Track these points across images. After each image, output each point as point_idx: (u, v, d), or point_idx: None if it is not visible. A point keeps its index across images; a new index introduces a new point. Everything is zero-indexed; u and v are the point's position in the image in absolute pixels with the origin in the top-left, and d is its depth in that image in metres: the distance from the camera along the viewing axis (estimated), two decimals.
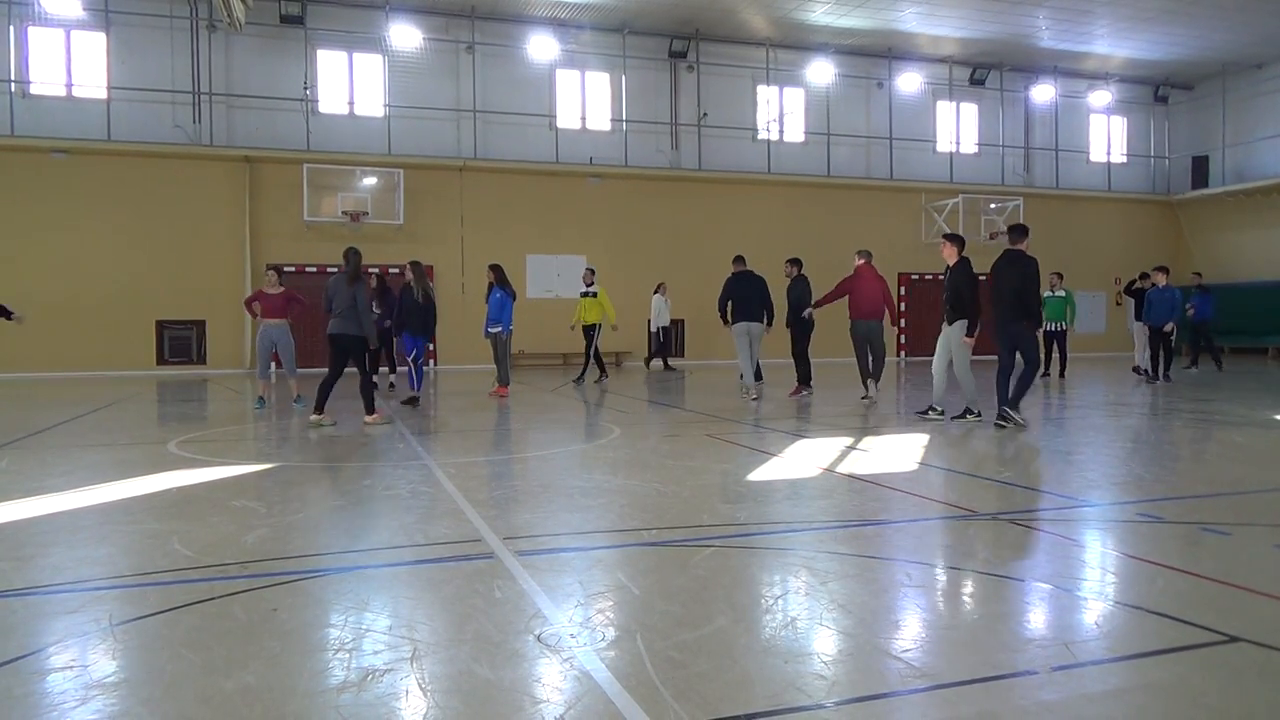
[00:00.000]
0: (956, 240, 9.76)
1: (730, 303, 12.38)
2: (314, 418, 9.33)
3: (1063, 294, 16.19)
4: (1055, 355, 16.16)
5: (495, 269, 12.89)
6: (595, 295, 15.59)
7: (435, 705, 2.53)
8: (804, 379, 12.72)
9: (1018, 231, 9.33)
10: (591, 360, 15.80)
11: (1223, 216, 26.49)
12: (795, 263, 12.87)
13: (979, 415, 9.32)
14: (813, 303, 12.44)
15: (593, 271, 16.22)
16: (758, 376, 12.50)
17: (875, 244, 23.76)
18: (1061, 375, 16.03)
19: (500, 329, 12.77)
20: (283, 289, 11.77)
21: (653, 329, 20.04)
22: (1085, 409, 11.24)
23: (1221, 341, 22.44)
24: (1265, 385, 14.34)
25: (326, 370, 9.67)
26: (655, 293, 19.80)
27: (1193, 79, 26.97)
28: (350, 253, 9.76)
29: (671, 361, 20.66)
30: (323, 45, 20.48)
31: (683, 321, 22.34)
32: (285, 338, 11.65)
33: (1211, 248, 26.71)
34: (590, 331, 15.67)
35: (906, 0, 20.75)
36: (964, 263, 9.57)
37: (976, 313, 9.27)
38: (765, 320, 12.40)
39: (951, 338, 9.46)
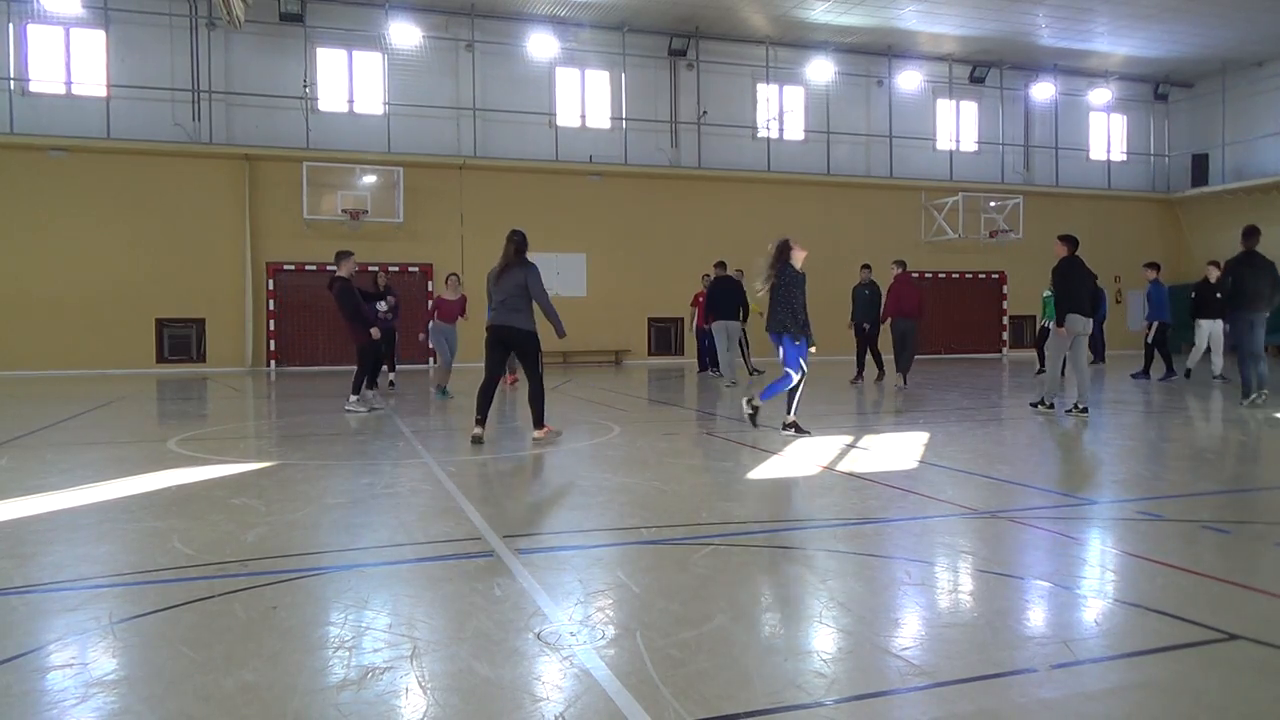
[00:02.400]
0: (1068, 241, 9.87)
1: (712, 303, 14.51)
2: (478, 431, 7.87)
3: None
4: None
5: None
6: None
7: (435, 703, 2.53)
8: (877, 369, 14.91)
9: (1252, 234, 10.39)
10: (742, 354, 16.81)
11: (1223, 214, 26.47)
12: (867, 268, 15.49)
13: (1085, 409, 9.53)
14: (880, 315, 14.72)
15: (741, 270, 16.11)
16: (753, 371, 14.95)
17: (875, 242, 23.99)
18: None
19: None
20: (461, 295, 12.80)
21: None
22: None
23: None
24: (1229, 380, 14.33)
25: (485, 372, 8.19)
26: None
27: (1193, 77, 26.96)
28: (515, 234, 8.40)
29: (664, 360, 20.69)
30: (322, 43, 20.47)
31: (680, 320, 22.35)
32: (454, 336, 12.81)
33: (1211, 246, 26.64)
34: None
35: None
36: (1069, 261, 9.77)
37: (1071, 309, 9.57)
38: (741, 318, 14.45)
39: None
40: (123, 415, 10.75)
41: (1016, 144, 26.32)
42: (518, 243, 8.20)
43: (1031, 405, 10.18)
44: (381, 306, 12.97)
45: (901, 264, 14.62)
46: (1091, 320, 9.79)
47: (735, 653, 2.87)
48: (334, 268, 10.82)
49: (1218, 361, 14.39)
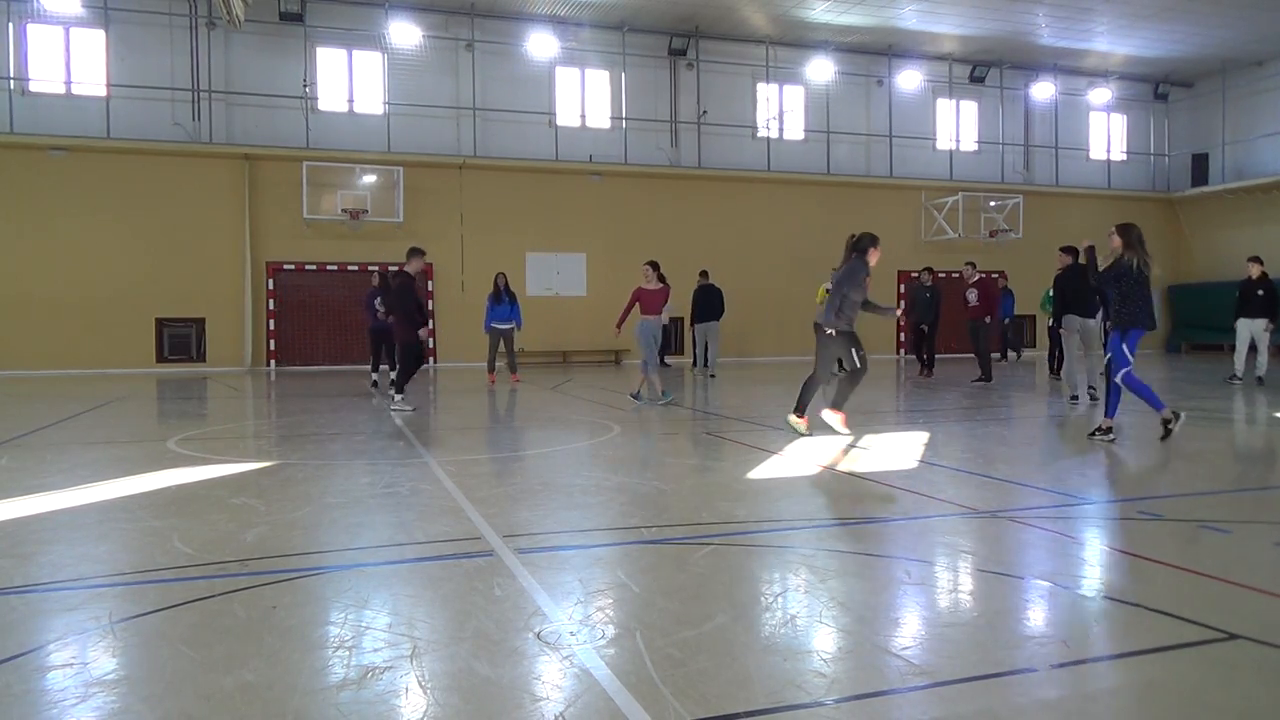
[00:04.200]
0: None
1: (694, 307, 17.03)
2: (793, 419, 8.10)
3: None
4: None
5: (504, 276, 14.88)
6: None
7: (435, 703, 2.53)
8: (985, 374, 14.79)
9: None
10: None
11: (1223, 214, 26.48)
12: (929, 270, 16.30)
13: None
14: (979, 312, 15.18)
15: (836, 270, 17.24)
16: (706, 364, 16.76)
17: None
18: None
19: (513, 325, 14.66)
20: (662, 285, 11.37)
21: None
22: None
23: (1222, 339, 22.43)
24: (1265, 383, 14.33)
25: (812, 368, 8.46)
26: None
27: (1193, 76, 26.95)
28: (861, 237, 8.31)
29: (670, 359, 20.69)
30: (322, 43, 20.46)
31: (682, 320, 22.33)
32: (659, 332, 11.39)
33: (1211, 245, 26.71)
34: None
35: None
36: (1072, 268, 10.99)
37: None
38: (718, 319, 16.90)
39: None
40: (122, 415, 10.75)
41: (1016, 144, 26.32)
42: (858, 244, 8.28)
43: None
44: (377, 302, 13.46)
45: (971, 265, 15.75)
46: (1092, 319, 10.89)
47: (735, 652, 2.87)
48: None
49: (1263, 361, 13.93)
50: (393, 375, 14.84)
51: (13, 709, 2.50)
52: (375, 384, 14.25)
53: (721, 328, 17.52)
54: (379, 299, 13.32)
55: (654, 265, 11.38)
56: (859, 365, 8.03)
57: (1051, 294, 14.76)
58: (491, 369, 15.15)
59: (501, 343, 14.68)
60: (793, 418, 8.08)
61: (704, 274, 17.72)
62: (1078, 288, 10.76)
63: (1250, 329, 13.76)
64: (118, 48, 19.11)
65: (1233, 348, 14.24)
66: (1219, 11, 21.41)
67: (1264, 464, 7.06)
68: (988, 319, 15.07)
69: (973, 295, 15.11)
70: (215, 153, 19.49)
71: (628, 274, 21.58)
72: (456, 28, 21.13)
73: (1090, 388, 10.86)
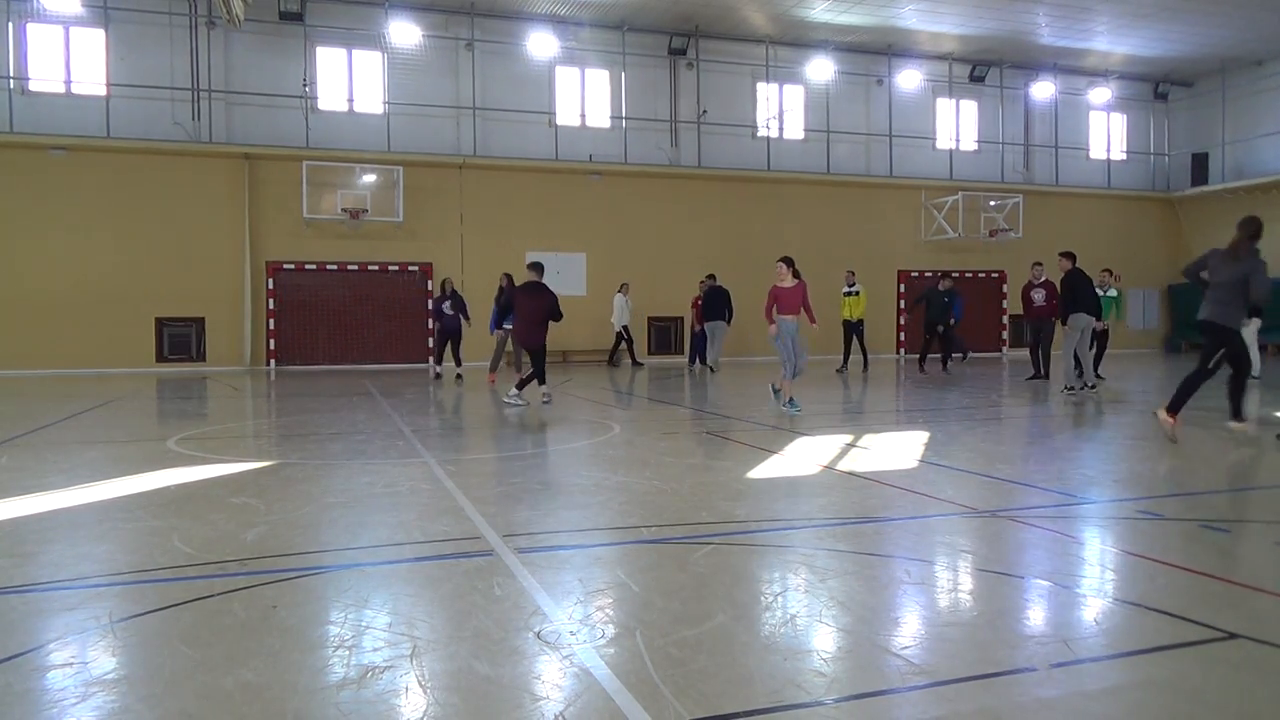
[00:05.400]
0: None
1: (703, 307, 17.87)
2: (1235, 425, 7.79)
3: (1113, 293, 15.14)
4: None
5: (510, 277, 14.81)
6: (858, 294, 17.97)
7: (435, 702, 2.53)
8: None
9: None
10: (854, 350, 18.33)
11: (1222, 214, 26.43)
12: (1040, 265, 15.21)
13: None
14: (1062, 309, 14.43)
15: (853, 273, 18.32)
16: (707, 360, 17.68)
17: (874, 242, 24.03)
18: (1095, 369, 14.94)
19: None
20: (797, 281, 10.29)
21: (618, 328, 20.12)
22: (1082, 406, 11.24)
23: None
24: (1265, 383, 14.34)
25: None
26: (619, 292, 20.00)
27: (1192, 76, 26.94)
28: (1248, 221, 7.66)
29: (665, 359, 20.82)
30: (322, 42, 20.45)
31: (681, 319, 22.34)
32: (798, 332, 10.26)
33: (1211, 245, 26.56)
34: (856, 326, 18.00)
35: None
36: (1074, 273, 12.37)
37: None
38: (727, 319, 17.77)
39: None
40: (122, 414, 10.75)
41: (1016, 143, 26.31)
42: (1252, 231, 7.58)
43: (1065, 389, 12.01)
44: (446, 306, 15.44)
45: (1039, 266, 14.92)
46: (1094, 318, 12.20)
47: (735, 652, 2.87)
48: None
49: (1257, 359, 13.96)
50: (459, 370, 15.89)
51: (13, 708, 2.50)
52: (439, 376, 16.19)
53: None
54: (448, 303, 15.48)
55: (788, 261, 10.42)
56: (1252, 365, 8.08)
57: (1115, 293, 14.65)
58: (494, 369, 15.29)
59: (510, 343, 14.92)
60: (1162, 414, 7.61)
61: (711, 277, 18.40)
62: (1085, 287, 12.25)
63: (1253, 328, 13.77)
64: (118, 47, 19.10)
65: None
66: (1219, 11, 21.40)
67: (1263, 463, 7.06)
68: (1054, 319, 14.34)
69: (1039, 295, 14.75)
70: (215, 152, 19.48)
71: (628, 274, 21.67)
72: (456, 27, 21.12)
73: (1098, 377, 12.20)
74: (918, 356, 18.01)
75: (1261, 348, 14.19)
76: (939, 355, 17.78)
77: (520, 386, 11.01)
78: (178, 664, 2.80)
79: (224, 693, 2.58)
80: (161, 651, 2.92)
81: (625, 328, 20.07)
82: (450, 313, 15.50)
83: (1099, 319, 13.61)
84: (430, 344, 20.68)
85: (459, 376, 16.34)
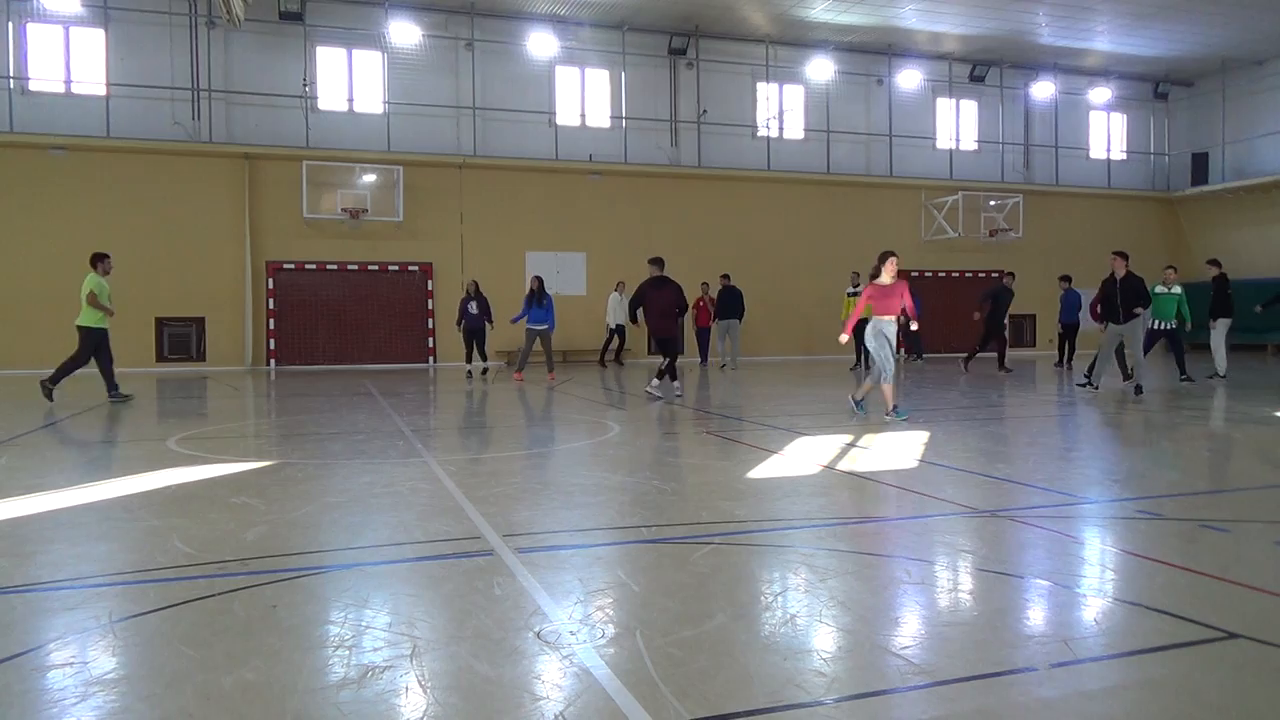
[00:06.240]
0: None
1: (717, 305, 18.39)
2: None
3: (1177, 291, 14.03)
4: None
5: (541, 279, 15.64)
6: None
7: (435, 702, 2.53)
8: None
9: None
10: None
11: (1222, 213, 26.48)
12: (1122, 255, 13.45)
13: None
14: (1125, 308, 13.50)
15: (859, 274, 18.69)
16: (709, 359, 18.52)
17: (874, 241, 23.78)
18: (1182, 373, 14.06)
19: (547, 326, 15.43)
20: (898, 279, 9.31)
21: (612, 326, 20.16)
22: (1084, 405, 11.24)
23: None
24: (1266, 382, 14.34)
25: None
26: (615, 291, 20.05)
27: (1193, 75, 26.95)
28: None
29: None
30: (322, 42, 20.45)
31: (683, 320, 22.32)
32: (894, 334, 9.32)
33: (1211, 244, 26.65)
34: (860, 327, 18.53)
35: None
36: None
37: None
38: (740, 317, 18.54)
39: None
40: (123, 414, 10.75)
41: (1016, 143, 26.31)
42: None
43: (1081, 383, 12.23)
44: (471, 306, 16.43)
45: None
46: (1140, 319, 11.96)
47: (735, 651, 2.88)
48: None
49: (1222, 360, 14.55)
50: (485, 365, 16.89)
51: (13, 708, 2.50)
52: (469, 374, 16.96)
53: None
54: (473, 303, 16.40)
55: (892, 256, 9.35)
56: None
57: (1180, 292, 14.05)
58: (521, 368, 15.69)
59: (538, 341, 15.55)
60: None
61: (725, 276, 18.97)
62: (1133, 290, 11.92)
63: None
64: (117, 47, 19.10)
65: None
66: (1219, 11, 21.40)
67: (1263, 462, 7.06)
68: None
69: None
70: (215, 152, 19.49)
71: (628, 274, 21.63)
72: (456, 27, 21.12)
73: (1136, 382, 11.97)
74: (964, 356, 17.89)
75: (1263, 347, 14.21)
76: (983, 353, 17.87)
77: (659, 377, 11.97)
78: (178, 664, 2.80)
79: (224, 692, 2.58)
80: (161, 651, 2.92)
81: (620, 326, 20.12)
82: (474, 312, 16.46)
83: (1163, 319, 13.56)
84: (431, 344, 20.88)
85: (484, 371, 17.19)
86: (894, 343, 9.29)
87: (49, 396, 11.67)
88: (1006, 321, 17.18)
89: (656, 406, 10.76)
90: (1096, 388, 12.32)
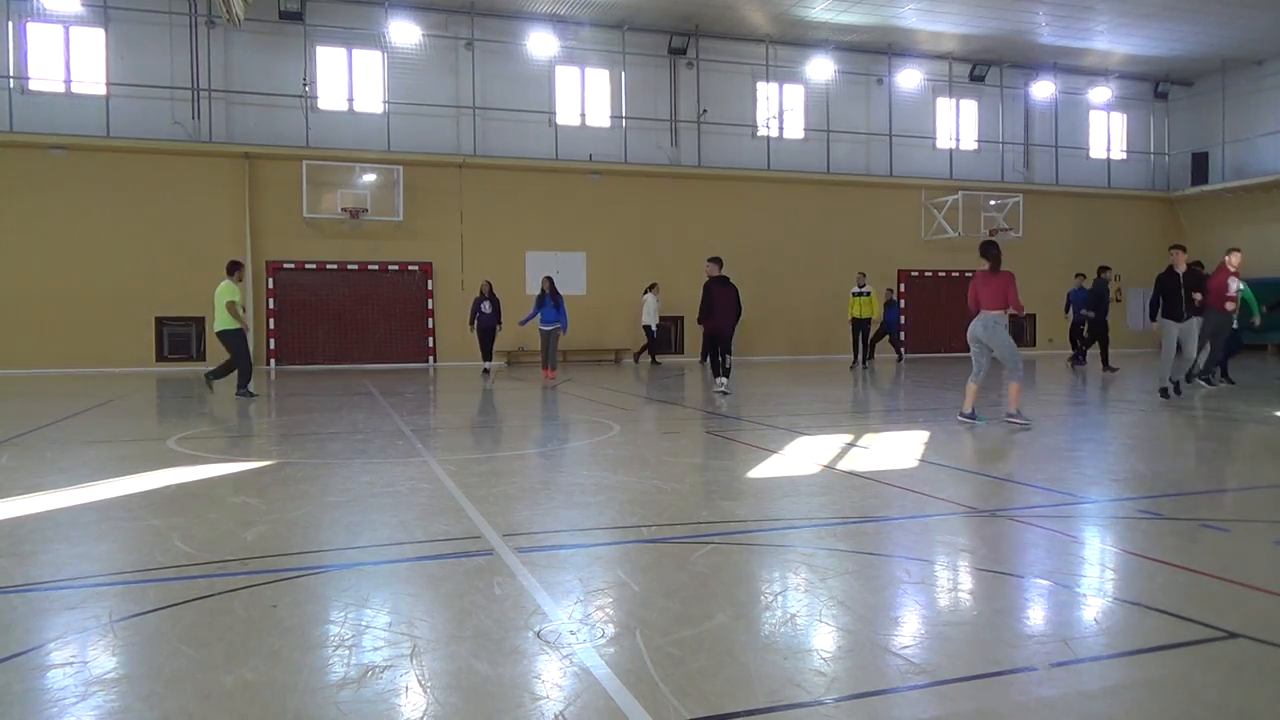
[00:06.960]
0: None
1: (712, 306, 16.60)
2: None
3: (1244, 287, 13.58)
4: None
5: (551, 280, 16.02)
6: (868, 294, 18.97)
7: (435, 701, 2.53)
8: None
9: None
10: (865, 348, 19.50)
11: (1222, 213, 26.47)
12: (1181, 248, 12.78)
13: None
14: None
15: (864, 274, 19.48)
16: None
17: (875, 241, 24.03)
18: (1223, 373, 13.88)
19: (559, 326, 15.72)
20: (1005, 272, 8.57)
21: (652, 327, 20.31)
22: (1084, 405, 11.24)
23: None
24: (1265, 382, 14.34)
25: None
26: (647, 292, 20.25)
27: (1193, 75, 26.94)
28: None
29: (665, 358, 20.86)
30: (322, 41, 20.45)
31: (681, 318, 22.33)
32: (1001, 332, 8.56)
33: (1211, 244, 26.63)
34: (862, 325, 19.18)
35: None
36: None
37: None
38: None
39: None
40: (122, 413, 10.75)
41: (1016, 142, 26.31)
42: None
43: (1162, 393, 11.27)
44: (485, 306, 16.99)
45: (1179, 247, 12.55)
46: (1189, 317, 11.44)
47: (735, 651, 2.87)
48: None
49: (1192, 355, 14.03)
50: (487, 365, 17.12)
51: (13, 708, 2.50)
52: (486, 371, 17.60)
53: None
54: (487, 303, 17.01)
55: (994, 246, 8.67)
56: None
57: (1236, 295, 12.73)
58: (547, 366, 15.99)
59: (549, 341, 16.00)
60: None
61: (718, 263, 19.26)
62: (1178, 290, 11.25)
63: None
64: (117, 46, 19.10)
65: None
66: (1219, 11, 21.40)
67: (1263, 462, 7.06)
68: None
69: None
70: (215, 152, 19.48)
71: (628, 273, 21.69)
72: (456, 26, 21.12)
73: (1173, 381, 11.41)
74: (1071, 356, 18.60)
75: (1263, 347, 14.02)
76: (1079, 352, 18.14)
77: (727, 375, 12.47)
78: (178, 663, 2.80)
79: (224, 692, 2.58)
80: (162, 651, 2.92)
81: (654, 326, 20.47)
82: (488, 311, 17.11)
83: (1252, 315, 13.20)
84: (431, 344, 20.90)
85: (486, 370, 17.62)
86: (1005, 345, 8.57)
87: (225, 390, 12.65)
88: (1108, 320, 17.39)
89: (657, 407, 10.76)
90: (1212, 384, 12.34)
